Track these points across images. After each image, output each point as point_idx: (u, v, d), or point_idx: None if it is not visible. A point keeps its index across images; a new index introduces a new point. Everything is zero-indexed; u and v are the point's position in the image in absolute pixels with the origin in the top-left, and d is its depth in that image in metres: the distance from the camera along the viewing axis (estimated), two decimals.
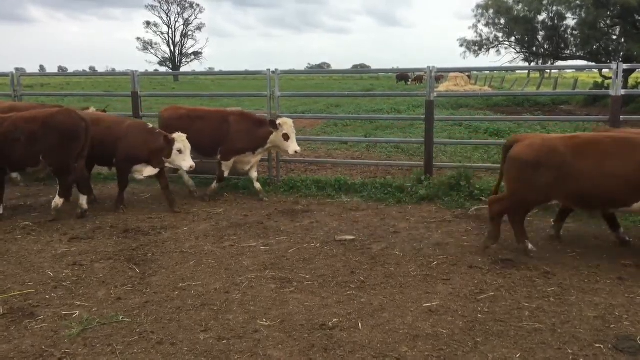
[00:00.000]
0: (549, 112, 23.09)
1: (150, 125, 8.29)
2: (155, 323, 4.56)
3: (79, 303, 4.95)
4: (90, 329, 4.44)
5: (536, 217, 7.52)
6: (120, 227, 7.20)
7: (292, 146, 8.42)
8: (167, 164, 8.06)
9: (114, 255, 6.17)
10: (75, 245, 6.55)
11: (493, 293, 5.11)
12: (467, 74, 44.95)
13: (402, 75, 55.79)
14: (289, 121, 8.44)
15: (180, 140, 7.79)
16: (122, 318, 4.64)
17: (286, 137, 8.38)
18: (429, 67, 8.62)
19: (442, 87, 43.05)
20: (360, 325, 4.50)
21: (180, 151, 7.80)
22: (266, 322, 4.57)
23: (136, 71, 10.25)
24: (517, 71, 69.64)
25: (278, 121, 8.39)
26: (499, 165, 6.80)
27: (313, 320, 4.58)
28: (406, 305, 4.87)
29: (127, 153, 7.99)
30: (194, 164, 7.89)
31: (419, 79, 50.86)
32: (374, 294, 5.12)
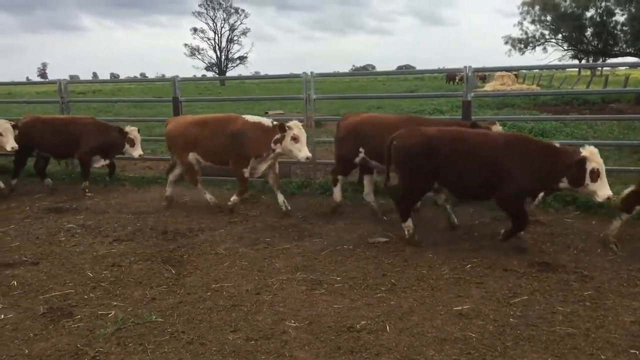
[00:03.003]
0: (599, 110, 22.32)
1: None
2: (186, 323, 4.66)
3: (115, 303, 5.10)
4: (124, 329, 4.57)
5: (577, 219, 7.33)
6: (159, 229, 7.37)
7: None
8: None
9: (151, 257, 6.33)
10: (115, 247, 6.74)
11: (527, 297, 5.01)
12: (514, 72, 44.06)
13: (451, 75, 55.10)
14: None
15: None
16: (156, 318, 4.76)
17: None
18: (465, 67, 8.51)
19: (489, 87, 42.23)
20: (387, 328, 4.49)
21: None
22: (294, 323, 4.61)
23: (177, 77, 10.49)
24: (567, 69, 67.89)
25: None
26: None
27: (341, 322, 4.60)
28: (436, 309, 4.82)
29: None
30: None
31: (483, 78, 50.11)
32: (404, 296, 5.10)
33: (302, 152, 7.51)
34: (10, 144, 8.92)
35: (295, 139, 7.50)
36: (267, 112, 22.79)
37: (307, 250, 6.44)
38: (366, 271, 5.73)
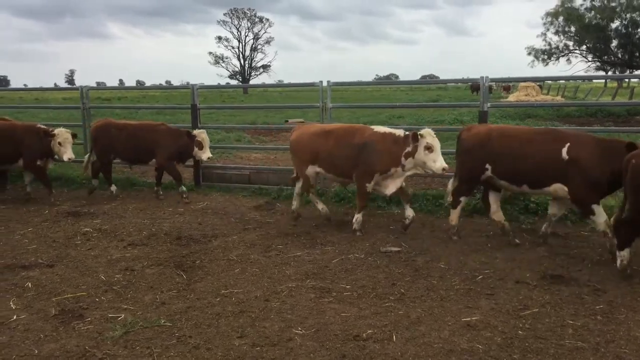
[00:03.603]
0: (623, 123, 21.99)
1: None
2: (194, 328, 4.69)
3: (125, 306, 5.16)
4: (132, 332, 4.62)
5: (594, 232, 7.22)
6: (173, 235, 7.43)
7: None
8: None
9: (164, 262, 6.39)
10: (129, 251, 6.82)
11: (537, 309, 4.95)
12: (538, 83, 43.69)
13: (476, 86, 54.83)
14: None
15: None
16: (164, 322, 4.80)
17: None
18: (482, 77, 8.47)
19: (512, 97, 41.93)
20: (394, 337, 4.46)
21: None
22: (301, 330, 4.61)
23: (195, 85, 10.62)
24: (594, 80, 67.23)
25: None
26: None
27: (347, 330, 4.58)
28: (444, 319, 4.78)
29: None
30: None
31: (507, 89, 49.85)
32: (413, 306, 5.07)
33: (438, 162, 6.77)
34: (68, 155, 9.12)
35: (429, 148, 6.77)
36: (287, 121, 22.95)
37: (318, 258, 6.45)
38: (376, 280, 5.72)
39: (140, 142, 9.58)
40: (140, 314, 4.98)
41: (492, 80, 8.81)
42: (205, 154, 9.41)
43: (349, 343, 4.38)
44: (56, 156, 9.36)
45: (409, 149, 6.92)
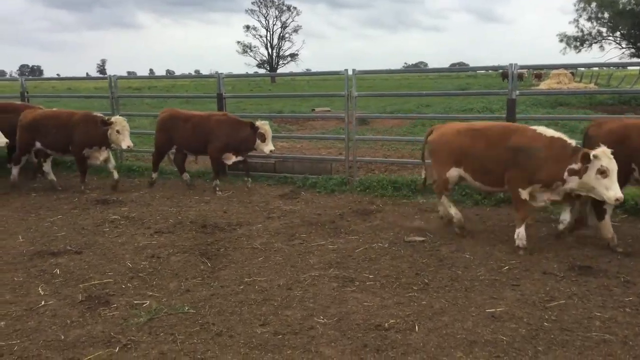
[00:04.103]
0: None
1: None
2: (217, 315, 4.73)
3: (150, 293, 5.23)
4: (157, 318, 4.68)
5: (624, 223, 7.07)
6: (199, 223, 7.49)
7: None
8: None
9: (189, 249, 6.45)
10: (156, 238, 6.90)
11: (564, 301, 4.86)
12: (570, 71, 42.78)
13: (506, 73, 54.02)
14: None
15: None
16: (188, 309, 4.85)
17: None
18: (510, 65, 8.32)
19: (544, 85, 41.21)
20: (416, 327, 4.43)
21: None
22: (323, 319, 4.61)
23: (221, 73, 10.67)
24: (628, 67, 65.29)
25: None
26: None
27: (369, 320, 4.57)
28: (468, 310, 4.73)
29: None
30: None
31: (539, 76, 48.94)
32: (436, 296, 5.02)
33: (611, 190, 5.54)
34: (126, 143, 9.09)
35: (602, 172, 5.55)
36: (314, 109, 22.93)
37: (342, 247, 6.44)
38: (399, 270, 5.68)
39: (198, 133, 9.33)
40: (165, 301, 5.04)
41: (522, 67, 8.67)
42: (268, 147, 8.95)
43: (371, 332, 4.36)
44: (112, 145, 9.34)
45: (575, 166, 5.78)
